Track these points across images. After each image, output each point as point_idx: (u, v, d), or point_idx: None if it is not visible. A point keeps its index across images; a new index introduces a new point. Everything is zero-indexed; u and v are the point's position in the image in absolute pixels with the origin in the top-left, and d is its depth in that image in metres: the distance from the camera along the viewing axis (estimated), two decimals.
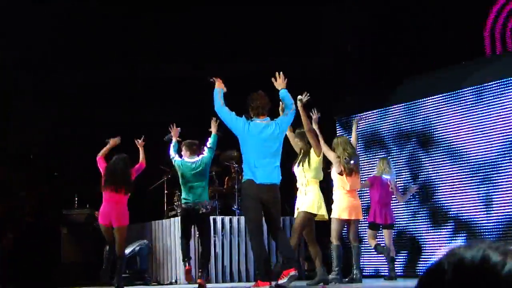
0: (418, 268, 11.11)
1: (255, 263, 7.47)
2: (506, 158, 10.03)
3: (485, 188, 10.26)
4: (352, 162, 9.32)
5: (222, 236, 11.26)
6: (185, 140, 9.61)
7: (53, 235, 12.08)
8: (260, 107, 7.51)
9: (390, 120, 11.86)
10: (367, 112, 12.22)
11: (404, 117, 11.60)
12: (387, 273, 10.26)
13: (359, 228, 10.02)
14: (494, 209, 10.14)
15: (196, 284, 9.15)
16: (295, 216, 9.05)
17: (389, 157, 10.97)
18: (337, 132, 12.73)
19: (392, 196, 10.36)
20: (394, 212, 10.79)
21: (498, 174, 10.12)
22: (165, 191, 12.24)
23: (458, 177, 10.64)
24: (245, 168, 7.50)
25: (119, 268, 9.35)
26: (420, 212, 11.19)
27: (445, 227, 10.80)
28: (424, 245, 11.10)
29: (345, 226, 9.66)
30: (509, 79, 10.13)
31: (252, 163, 7.38)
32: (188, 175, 9.34)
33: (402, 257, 11.42)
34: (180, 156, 9.53)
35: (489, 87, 10.36)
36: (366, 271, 11.85)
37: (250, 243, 7.76)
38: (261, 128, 7.43)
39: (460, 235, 10.58)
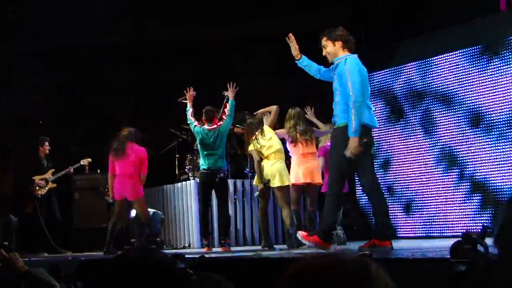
0: (432, 228, 11.04)
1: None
2: None
3: (501, 147, 10.13)
4: (299, 128, 9.31)
5: (234, 199, 11.23)
6: (205, 107, 9.60)
7: (66, 201, 12.07)
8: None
9: (403, 79, 11.69)
10: (380, 71, 12.05)
11: (418, 76, 11.43)
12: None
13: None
14: (510, 169, 10.03)
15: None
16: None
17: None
18: None
19: None
20: (409, 173, 10.68)
21: None
22: (177, 155, 12.18)
23: (473, 136, 10.51)
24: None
25: (140, 232, 9.63)
26: (434, 173, 11.07)
27: (460, 188, 10.69)
28: (439, 206, 11.01)
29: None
30: None
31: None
32: (206, 142, 9.41)
33: (417, 218, 11.35)
34: (200, 122, 9.57)
35: (504, 43, 10.18)
36: None
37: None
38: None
39: (475, 195, 10.48)
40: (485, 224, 9.34)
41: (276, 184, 9.05)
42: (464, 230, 10.04)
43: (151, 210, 11.18)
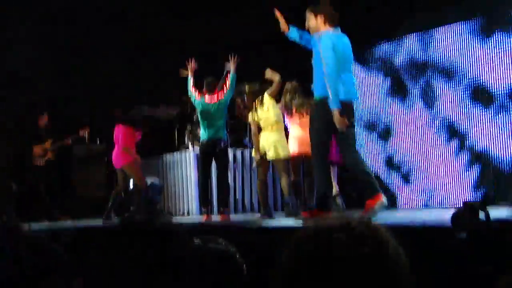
0: (432, 199, 11.07)
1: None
2: None
3: (501, 119, 10.13)
4: (296, 101, 9.30)
5: (234, 169, 11.25)
6: (206, 78, 9.59)
7: (66, 169, 12.10)
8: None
9: (405, 51, 11.64)
10: (381, 43, 12.00)
11: (419, 48, 11.38)
12: None
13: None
14: (509, 140, 10.03)
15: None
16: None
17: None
18: None
19: None
20: (409, 144, 10.69)
21: None
22: (177, 126, 12.20)
23: (474, 108, 10.49)
24: None
25: (137, 199, 9.70)
26: (434, 144, 11.07)
27: (459, 159, 10.70)
28: (438, 177, 11.02)
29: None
30: None
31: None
32: (206, 113, 9.44)
33: (417, 189, 11.38)
34: (200, 93, 9.56)
35: (508, 15, 10.13)
36: None
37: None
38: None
39: (475, 166, 10.50)
40: (486, 192, 9.41)
41: (271, 156, 9.07)
42: (465, 200, 10.08)
43: (149, 179, 11.20)
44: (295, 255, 1.40)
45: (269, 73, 9.00)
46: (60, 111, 12.21)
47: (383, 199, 6.66)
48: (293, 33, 7.33)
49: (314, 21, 6.96)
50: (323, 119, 6.76)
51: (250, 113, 9.30)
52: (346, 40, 6.99)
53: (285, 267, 1.41)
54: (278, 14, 7.39)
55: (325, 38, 6.80)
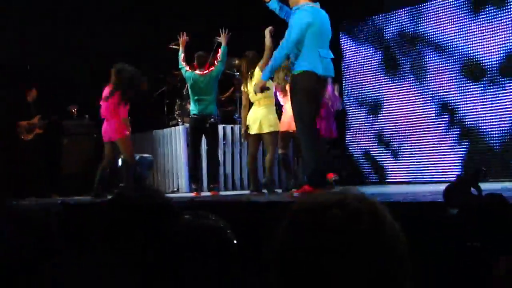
0: (421, 174, 11.10)
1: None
2: None
3: (491, 93, 10.13)
4: (287, 78, 9.20)
5: (223, 144, 11.20)
6: (197, 52, 9.53)
7: (54, 146, 12.02)
8: None
9: (395, 25, 11.60)
10: (371, 17, 11.96)
11: (409, 22, 11.34)
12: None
13: None
14: (498, 115, 10.04)
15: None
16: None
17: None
18: (341, 39, 12.47)
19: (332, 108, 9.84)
20: (399, 119, 10.71)
21: (506, 79, 9.97)
22: (166, 101, 12.13)
23: (464, 82, 10.49)
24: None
25: (126, 175, 9.59)
26: (424, 119, 11.08)
27: (449, 134, 10.71)
28: (428, 152, 11.04)
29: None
30: None
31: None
32: (196, 87, 9.39)
33: (406, 164, 11.40)
34: (191, 67, 9.50)
35: None
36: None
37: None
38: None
39: (465, 141, 10.52)
40: (478, 168, 9.42)
41: (254, 131, 9.02)
42: (457, 174, 10.10)
43: (138, 154, 11.15)
44: (290, 230, 1.38)
45: (267, 34, 8.81)
46: (50, 86, 12.10)
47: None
48: (273, 4, 7.34)
49: None
50: (305, 91, 6.75)
51: (244, 82, 9.24)
52: (324, 15, 6.97)
53: (279, 242, 1.38)
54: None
55: (299, 14, 6.80)
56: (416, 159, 11.20)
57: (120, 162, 10.32)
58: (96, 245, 2.18)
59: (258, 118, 8.97)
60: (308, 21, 6.71)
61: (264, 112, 8.98)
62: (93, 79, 10.66)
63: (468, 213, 3.03)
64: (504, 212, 2.96)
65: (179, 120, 11.57)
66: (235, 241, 2.07)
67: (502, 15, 9.98)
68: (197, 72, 9.49)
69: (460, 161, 10.56)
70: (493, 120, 10.09)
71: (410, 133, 11.29)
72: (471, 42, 10.36)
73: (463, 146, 10.53)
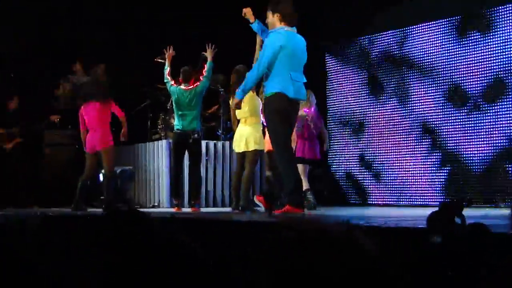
0: (403, 197, 11.10)
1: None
2: (496, 87, 9.91)
3: (473, 119, 10.18)
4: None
5: (206, 160, 11.14)
6: (183, 67, 9.54)
7: (36, 155, 11.92)
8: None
9: (380, 47, 11.65)
10: (357, 38, 12.01)
11: (394, 44, 11.40)
12: None
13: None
14: (480, 141, 10.08)
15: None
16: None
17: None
18: (326, 60, 12.52)
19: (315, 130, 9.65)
20: (381, 140, 10.71)
21: (489, 105, 10.02)
22: (150, 114, 12.08)
23: (447, 107, 10.54)
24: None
25: (107, 188, 9.50)
26: (407, 141, 11.10)
27: (431, 157, 10.74)
28: (410, 175, 11.06)
29: None
30: (501, 7, 9.96)
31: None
32: (181, 102, 9.40)
33: (388, 186, 11.40)
34: (176, 81, 9.50)
35: (483, 15, 10.18)
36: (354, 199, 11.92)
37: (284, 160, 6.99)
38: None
39: (446, 166, 10.54)
40: (463, 196, 9.45)
41: (240, 149, 9.01)
42: (442, 200, 10.12)
43: (119, 167, 11.08)
44: (273, 260, 1.36)
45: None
46: (32, 96, 12.03)
47: (302, 213, 6.82)
48: (255, 26, 7.50)
49: (271, 18, 7.06)
50: (276, 112, 6.82)
51: (232, 97, 9.23)
52: (299, 39, 7.07)
53: (264, 271, 1.36)
54: (246, 9, 7.47)
55: (271, 37, 6.92)
56: (398, 182, 11.21)
57: (101, 177, 10.25)
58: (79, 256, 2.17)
59: (244, 136, 8.93)
60: (281, 44, 6.82)
61: (250, 130, 8.96)
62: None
63: (451, 242, 3.01)
64: (486, 243, 2.96)
65: (162, 134, 11.52)
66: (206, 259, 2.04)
67: (487, 41, 10.05)
68: (182, 87, 9.49)
69: (440, 185, 10.58)
70: (475, 145, 10.13)
71: (392, 156, 11.32)
72: (455, 67, 10.42)
73: (445, 170, 10.56)
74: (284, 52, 6.80)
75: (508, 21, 9.86)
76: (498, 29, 9.95)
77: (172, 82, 9.53)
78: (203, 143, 10.56)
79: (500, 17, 9.95)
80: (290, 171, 6.85)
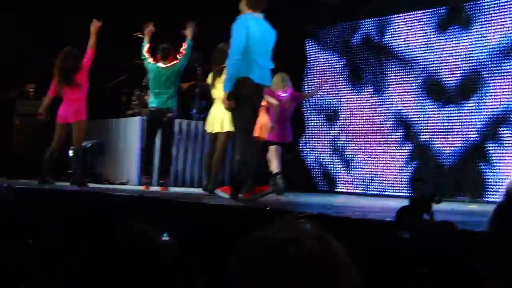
0: (371, 186, 11.12)
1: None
2: (472, 83, 9.95)
3: (447, 113, 10.21)
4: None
5: (178, 139, 11.01)
6: (161, 44, 9.46)
7: (6, 126, 11.75)
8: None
9: (360, 33, 11.61)
10: (337, 24, 11.97)
11: (375, 33, 11.37)
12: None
13: None
14: (453, 135, 10.12)
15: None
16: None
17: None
18: (306, 44, 12.46)
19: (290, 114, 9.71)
20: (354, 129, 10.72)
21: (463, 99, 10.05)
22: (125, 90, 11.97)
23: (422, 99, 10.56)
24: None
25: (75, 162, 9.40)
26: (379, 131, 11.11)
27: (403, 149, 10.76)
28: (380, 165, 11.08)
29: None
30: (480, 1, 9.99)
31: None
32: (158, 80, 9.32)
33: (358, 175, 11.41)
34: (154, 59, 9.41)
35: (464, 9, 10.19)
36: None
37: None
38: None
39: (417, 158, 10.58)
40: (433, 192, 9.48)
41: (216, 129, 8.96)
42: (410, 193, 10.17)
43: (90, 142, 10.96)
44: (243, 265, 1.32)
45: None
46: (7, 65, 11.88)
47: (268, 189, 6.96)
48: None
49: (241, 4, 7.05)
50: (240, 96, 6.81)
51: (211, 73, 9.13)
52: (265, 25, 7.04)
53: (234, 275, 1.33)
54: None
55: (237, 22, 6.88)
56: (368, 171, 11.23)
57: (70, 152, 10.09)
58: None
59: (220, 116, 8.83)
60: (245, 29, 6.80)
61: (217, 112, 8.90)
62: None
63: (419, 238, 3.01)
64: (454, 241, 2.95)
65: (136, 111, 11.42)
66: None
67: (467, 35, 10.06)
68: (160, 64, 9.41)
69: (409, 177, 10.61)
70: (447, 139, 10.16)
71: (364, 144, 11.32)
72: (434, 59, 10.42)
73: (414, 162, 10.59)
74: (250, 37, 6.77)
75: (486, 16, 9.88)
76: (477, 24, 9.96)
77: (150, 60, 9.44)
78: (176, 122, 10.45)
79: (480, 11, 9.97)
80: (245, 157, 6.88)
